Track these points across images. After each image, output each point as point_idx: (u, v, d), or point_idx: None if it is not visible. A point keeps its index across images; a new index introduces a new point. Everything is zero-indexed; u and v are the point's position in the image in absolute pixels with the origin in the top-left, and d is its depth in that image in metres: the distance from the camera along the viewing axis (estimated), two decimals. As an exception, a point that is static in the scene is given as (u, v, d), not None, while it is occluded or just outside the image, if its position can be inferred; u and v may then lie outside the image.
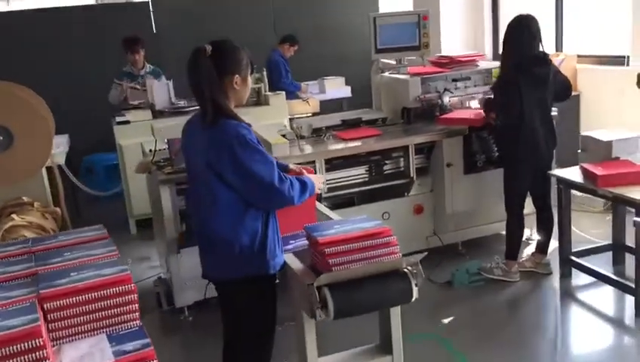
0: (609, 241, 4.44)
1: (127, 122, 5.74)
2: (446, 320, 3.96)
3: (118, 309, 1.89)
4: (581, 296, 4.20)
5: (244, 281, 2.52)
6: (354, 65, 8.40)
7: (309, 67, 8.07)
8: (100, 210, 6.41)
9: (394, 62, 5.00)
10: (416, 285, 2.40)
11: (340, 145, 4.38)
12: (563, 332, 3.93)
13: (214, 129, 2.43)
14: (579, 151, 4.29)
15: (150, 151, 4.17)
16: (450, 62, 4.94)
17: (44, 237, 2.48)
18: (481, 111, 4.40)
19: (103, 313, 1.88)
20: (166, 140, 4.03)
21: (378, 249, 2.40)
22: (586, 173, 3.93)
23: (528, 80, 3.98)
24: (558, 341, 3.80)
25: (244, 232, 2.47)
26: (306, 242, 2.77)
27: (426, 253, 2.52)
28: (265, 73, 6.16)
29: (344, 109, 7.30)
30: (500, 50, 4.25)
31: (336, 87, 7.71)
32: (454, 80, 4.85)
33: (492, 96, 4.31)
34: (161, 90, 5.98)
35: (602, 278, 4.05)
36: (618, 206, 4.25)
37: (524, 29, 4.03)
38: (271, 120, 5.68)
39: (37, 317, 1.72)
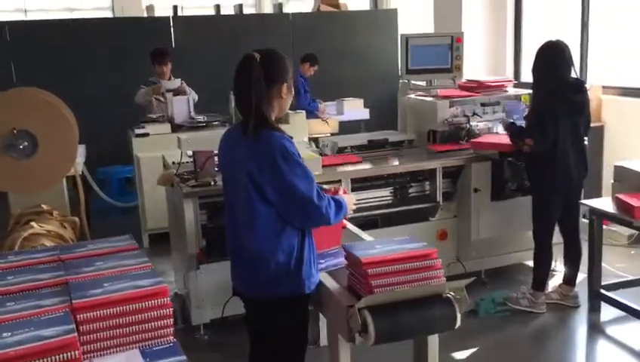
0: (637, 276, 4.31)
1: (146, 134, 5.67)
2: (470, 352, 3.82)
3: (154, 323, 1.79)
4: (610, 330, 4.06)
5: (278, 300, 2.40)
6: (373, 86, 8.36)
7: (328, 87, 8.01)
8: (112, 223, 6.29)
9: (423, 84, 4.92)
10: (460, 312, 2.28)
11: (367, 166, 4.28)
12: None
13: (257, 140, 2.34)
14: (611, 181, 4.18)
15: (174, 163, 4.07)
16: (479, 86, 4.87)
17: (73, 245, 2.37)
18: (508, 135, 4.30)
19: (138, 327, 1.77)
20: (191, 152, 3.94)
21: (423, 272, 2.29)
22: (620, 204, 3.81)
23: (565, 106, 3.89)
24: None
25: (281, 249, 2.36)
26: (338, 261, 2.67)
27: (473, 278, 2.40)
28: (285, 91, 6.07)
29: (362, 131, 7.23)
30: (522, 76, 4.17)
31: (355, 108, 7.64)
32: (483, 104, 4.77)
33: (514, 121, 4.22)
34: (180, 105, 5.92)
35: (633, 313, 3.91)
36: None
37: (559, 54, 3.95)
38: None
39: (72, 328, 1.62)
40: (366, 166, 4.29)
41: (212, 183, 3.80)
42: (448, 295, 2.28)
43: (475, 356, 3.78)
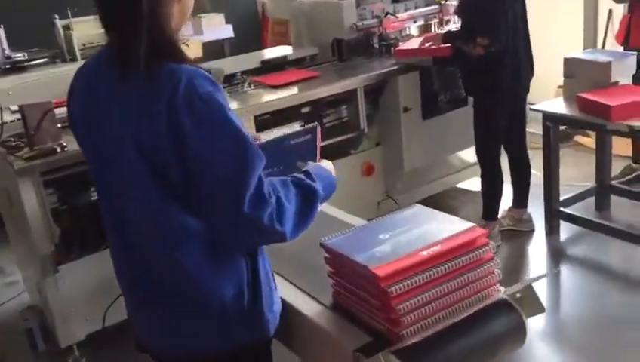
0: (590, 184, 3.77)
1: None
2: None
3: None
4: (575, 251, 3.50)
5: (227, 355, 1.38)
6: (231, -1, 7.10)
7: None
8: None
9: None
10: (527, 318, 1.42)
11: (273, 96, 3.22)
12: (563, 299, 3.18)
13: (150, 81, 1.22)
14: (560, 79, 3.49)
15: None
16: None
17: None
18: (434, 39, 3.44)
19: None
20: (17, 108, 2.64)
21: (469, 270, 1.36)
22: (586, 104, 3.14)
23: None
24: (559, 313, 3.06)
25: (227, 278, 1.32)
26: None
27: (544, 276, 1.50)
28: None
29: (227, 53, 6.09)
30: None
31: (215, 26, 6.39)
32: (395, 1, 3.83)
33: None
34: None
35: (596, 228, 3.39)
36: (604, 141, 3.59)
37: None
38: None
39: None
40: (271, 96, 3.22)
41: (57, 149, 2.57)
42: (511, 300, 1.40)
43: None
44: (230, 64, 3.60)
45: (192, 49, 5.90)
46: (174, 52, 1.26)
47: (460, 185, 4.16)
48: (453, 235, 1.37)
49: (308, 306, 1.49)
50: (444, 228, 1.41)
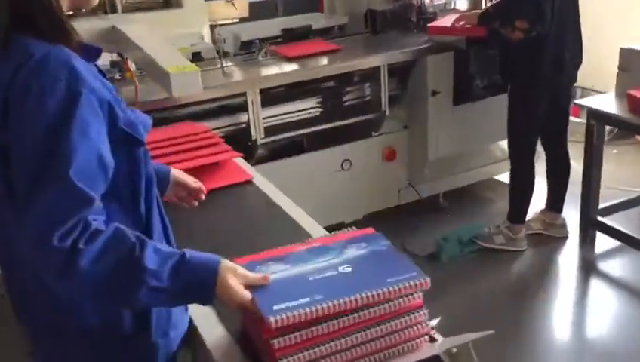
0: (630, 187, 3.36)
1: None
2: (434, 321, 2.81)
3: None
4: (608, 267, 3.14)
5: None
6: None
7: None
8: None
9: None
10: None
11: (283, 68, 2.99)
12: (588, 318, 2.86)
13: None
14: (615, 71, 3.07)
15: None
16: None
17: None
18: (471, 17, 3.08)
19: None
20: None
21: (388, 320, 1.12)
22: (634, 102, 2.74)
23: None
24: (584, 329, 2.75)
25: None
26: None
27: (490, 332, 1.24)
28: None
29: (280, 14, 5.83)
30: None
31: (268, -15, 6.12)
32: (439, -29, 3.48)
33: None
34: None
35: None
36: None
37: None
38: (186, 28, 4.15)
39: None
40: (281, 68, 2.99)
41: None
42: (439, 354, 1.16)
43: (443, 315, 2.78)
44: (250, 30, 3.37)
45: (239, 8, 5.72)
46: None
47: (499, 177, 3.83)
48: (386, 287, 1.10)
49: (211, 331, 1.29)
50: (383, 279, 1.13)
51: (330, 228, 1.59)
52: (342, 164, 3.24)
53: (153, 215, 1.20)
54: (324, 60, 3.07)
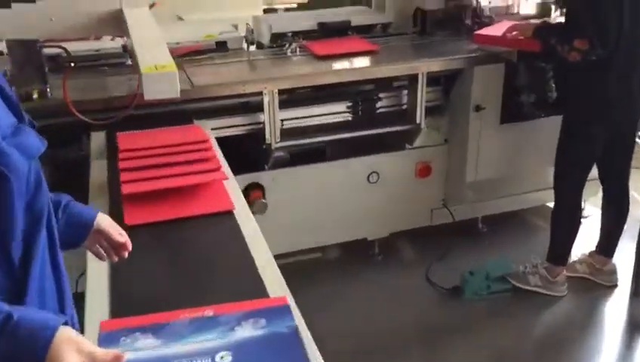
0: None
1: None
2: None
3: None
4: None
5: None
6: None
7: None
8: None
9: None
10: None
11: (308, 67, 2.73)
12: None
13: None
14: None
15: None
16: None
17: None
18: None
19: None
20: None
21: None
22: None
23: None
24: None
25: None
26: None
27: None
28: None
29: (346, 3, 5.55)
30: None
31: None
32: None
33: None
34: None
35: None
36: None
37: None
38: (239, 11, 3.97)
39: None
40: (305, 68, 2.73)
41: (34, 95, 2.31)
42: None
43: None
44: (285, 21, 3.12)
45: (298, -7, 5.47)
46: None
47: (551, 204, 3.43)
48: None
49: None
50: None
51: (352, 244, 1.32)
52: (368, 177, 2.96)
53: (34, 261, 0.99)
54: (356, 62, 2.78)
